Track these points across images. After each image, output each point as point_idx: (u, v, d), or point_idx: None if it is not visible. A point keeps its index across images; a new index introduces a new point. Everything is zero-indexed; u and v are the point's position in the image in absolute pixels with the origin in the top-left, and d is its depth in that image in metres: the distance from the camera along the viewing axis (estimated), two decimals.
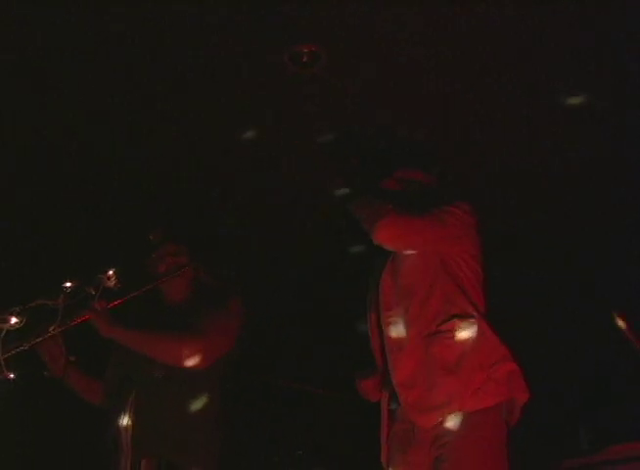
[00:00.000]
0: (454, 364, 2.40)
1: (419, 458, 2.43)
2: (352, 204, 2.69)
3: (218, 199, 3.61)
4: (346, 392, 2.73)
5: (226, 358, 2.74)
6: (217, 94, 3.00)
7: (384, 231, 2.49)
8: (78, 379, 2.85)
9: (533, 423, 2.58)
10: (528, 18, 2.65)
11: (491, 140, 3.30)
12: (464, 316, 2.47)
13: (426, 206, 2.58)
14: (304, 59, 2.78)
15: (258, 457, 3.90)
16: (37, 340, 2.52)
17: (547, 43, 2.77)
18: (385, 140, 3.00)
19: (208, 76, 2.91)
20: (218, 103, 3.04)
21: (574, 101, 3.05)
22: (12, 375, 2.39)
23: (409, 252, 2.57)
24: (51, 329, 2.51)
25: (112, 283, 2.56)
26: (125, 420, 2.65)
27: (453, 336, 2.44)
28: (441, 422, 2.38)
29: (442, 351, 2.44)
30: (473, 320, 2.47)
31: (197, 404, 2.66)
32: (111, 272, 2.56)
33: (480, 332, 2.46)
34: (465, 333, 2.44)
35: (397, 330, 2.55)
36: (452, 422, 2.36)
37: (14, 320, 2.38)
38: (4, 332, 2.36)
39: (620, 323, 3.17)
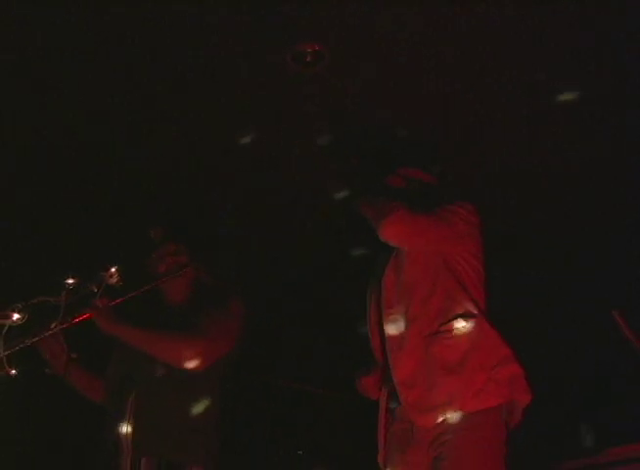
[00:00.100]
0: (456, 364, 2.40)
1: (418, 458, 2.42)
2: (359, 200, 2.69)
3: (231, 211, 3.61)
4: (346, 392, 2.72)
5: (226, 359, 2.73)
6: (217, 94, 3.00)
7: (391, 228, 2.50)
8: (80, 377, 2.86)
9: (533, 423, 2.58)
10: (528, 18, 2.65)
11: (491, 140, 3.30)
12: (467, 316, 2.47)
13: (427, 204, 2.59)
14: (308, 58, 2.79)
15: (258, 457, 3.90)
16: (39, 337, 2.52)
17: (547, 43, 2.77)
18: (385, 139, 3.01)
19: (208, 76, 2.91)
20: (218, 103, 3.04)
21: (574, 101, 3.05)
22: (13, 371, 2.40)
23: (414, 249, 2.57)
24: (53, 326, 2.51)
25: (114, 280, 2.55)
26: (126, 419, 2.64)
27: (455, 335, 2.44)
28: (441, 422, 2.38)
29: (444, 350, 2.43)
30: (475, 320, 2.46)
31: (197, 404, 2.65)
32: (113, 269, 2.55)
33: (482, 332, 2.46)
34: (467, 333, 2.44)
35: (398, 328, 2.54)
36: (452, 421, 2.36)
37: (16, 317, 2.38)
38: (6, 328, 2.36)
39: (621, 323, 3.17)
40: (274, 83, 2.94)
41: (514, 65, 2.87)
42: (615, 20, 2.68)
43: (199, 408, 2.65)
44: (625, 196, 3.63)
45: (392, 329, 2.56)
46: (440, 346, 2.44)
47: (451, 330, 2.45)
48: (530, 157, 3.41)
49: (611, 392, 4.11)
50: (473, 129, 3.24)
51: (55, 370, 2.74)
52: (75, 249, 3.58)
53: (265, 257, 3.95)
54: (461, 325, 2.45)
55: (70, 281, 2.49)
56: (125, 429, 2.63)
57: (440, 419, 2.38)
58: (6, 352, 2.37)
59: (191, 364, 2.61)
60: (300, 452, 3.94)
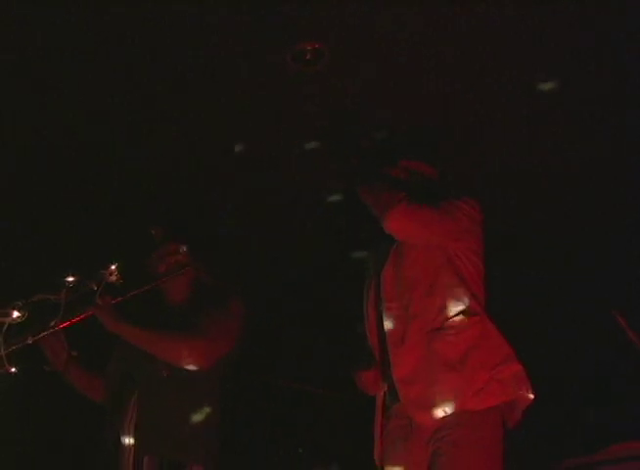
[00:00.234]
0: (457, 362, 2.37)
1: (417, 454, 2.39)
2: (363, 188, 2.63)
3: (231, 211, 3.61)
4: (346, 392, 2.71)
5: (226, 359, 2.73)
6: (217, 94, 3.00)
7: (396, 219, 2.46)
8: (79, 375, 2.84)
9: (533, 423, 2.58)
10: (528, 18, 2.65)
11: (491, 140, 3.30)
12: (469, 313, 2.44)
13: (429, 197, 2.55)
14: (307, 56, 2.78)
15: (258, 457, 3.90)
16: (41, 335, 2.52)
17: (547, 43, 2.77)
18: (385, 133, 2.97)
19: (208, 76, 2.91)
20: (218, 103, 3.04)
21: (574, 101, 3.05)
22: (13, 369, 2.40)
23: (416, 242, 2.54)
24: (52, 323, 2.51)
25: (113, 278, 2.55)
26: (128, 418, 2.64)
27: (458, 333, 2.41)
28: (441, 418, 2.36)
29: (445, 347, 2.40)
30: (478, 318, 2.44)
31: (198, 404, 2.65)
32: (113, 267, 2.55)
33: (484, 330, 2.44)
34: (470, 331, 2.41)
35: (398, 324, 2.50)
36: (451, 418, 2.34)
37: (16, 314, 2.39)
38: (6, 326, 2.36)
39: (623, 323, 3.17)
40: (274, 83, 2.94)
41: (514, 65, 2.87)
42: (615, 20, 2.68)
43: (199, 408, 2.65)
44: (625, 196, 3.63)
45: (392, 325, 2.52)
46: (442, 342, 2.41)
47: (454, 327, 2.42)
48: (530, 157, 3.41)
49: (611, 392, 4.11)
50: (473, 129, 3.24)
51: (54, 367, 2.73)
52: (75, 248, 3.58)
53: (265, 257, 3.95)
54: (464, 322, 2.42)
55: (70, 279, 2.49)
56: (127, 428, 2.64)
57: (440, 416, 2.36)
58: (7, 351, 2.38)
59: (191, 364, 2.61)
60: (301, 450, 3.94)
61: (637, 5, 2.61)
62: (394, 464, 2.46)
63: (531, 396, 2.40)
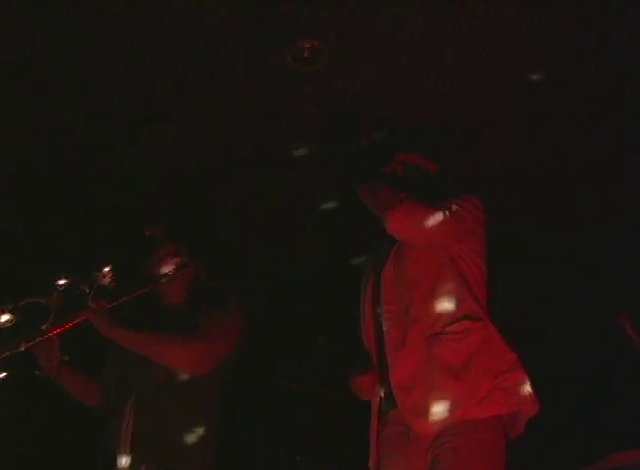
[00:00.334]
0: (459, 368, 2.27)
1: (414, 463, 2.29)
2: (363, 188, 2.56)
3: (231, 211, 3.60)
4: (346, 392, 2.69)
5: (226, 364, 2.68)
6: (217, 94, 3.00)
7: (398, 219, 2.39)
8: (73, 380, 2.77)
9: (533, 423, 2.56)
10: (528, 18, 2.65)
11: (491, 140, 3.30)
12: (473, 317, 2.35)
13: (429, 195, 2.48)
14: (306, 54, 2.77)
15: (258, 457, 3.90)
16: (35, 341, 2.46)
17: (547, 43, 2.77)
18: (385, 131, 2.92)
19: (208, 76, 2.91)
20: (218, 103, 3.04)
21: (574, 101, 3.05)
22: (2, 374, 2.37)
23: (418, 243, 2.45)
24: (44, 328, 2.46)
25: (106, 281, 2.50)
26: (125, 425, 2.59)
27: (460, 338, 2.31)
28: (440, 428, 2.25)
29: (447, 353, 2.30)
30: (482, 323, 2.35)
31: (196, 411, 2.60)
32: (106, 270, 2.50)
33: (488, 335, 2.35)
34: (473, 336, 2.32)
35: (398, 327, 2.40)
36: (452, 427, 2.24)
37: (5, 318, 2.35)
38: None
39: (625, 323, 3.16)
40: (274, 83, 2.94)
41: (514, 65, 2.87)
42: (615, 20, 2.68)
43: (198, 415, 2.60)
44: (625, 196, 3.63)
45: (392, 327, 2.42)
46: (444, 348, 2.31)
47: (457, 332, 2.32)
48: (530, 157, 3.41)
49: (611, 392, 4.10)
50: (473, 129, 3.24)
51: (47, 372, 2.65)
52: (75, 249, 3.58)
53: (265, 257, 3.95)
54: (467, 327, 2.33)
55: (62, 282, 2.44)
56: (125, 435, 2.58)
57: (439, 425, 2.25)
58: (1, 358, 2.33)
59: (190, 368, 2.56)
60: (299, 459, 3.91)
61: (637, 5, 2.61)
62: None
63: (537, 407, 2.31)
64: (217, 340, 2.61)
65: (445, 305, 2.37)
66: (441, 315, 2.36)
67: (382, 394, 2.45)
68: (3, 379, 2.38)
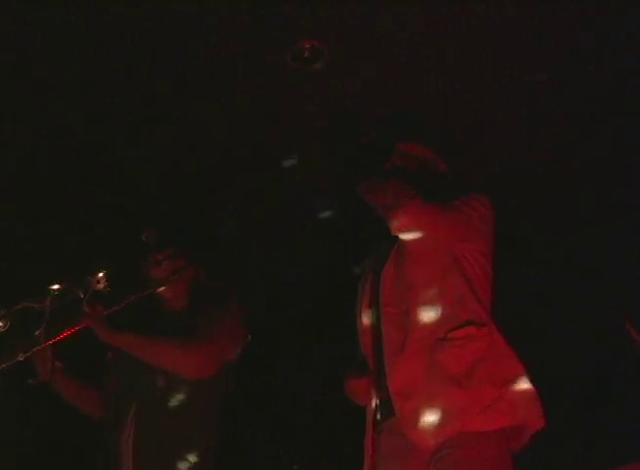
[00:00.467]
0: (462, 376, 2.12)
1: None
2: (365, 187, 2.40)
3: (231, 211, 3.60)
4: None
5: (228, 369, 2.61)
6: (217, 94, 3.00)
7: (406, 219, 2.24)
8: (66, 385, 2.70)
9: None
10: (528, 18, 2.66)
11: (491, 140, 3.30)
12: (478, 324, 2.21)
13: (432, 192, 2.32)
14: (306, 54, 2.77)
15: (258, 457, 3.90)
16: (33, 350, 2.41)
17: (547, 43, 2.77)
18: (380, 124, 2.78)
19: (208, 76, 2.91)
20: (218, 103, 3.04)
21: (574, 101, 3.05)
22: None
23: (423, 244, 2.27)
24: (38, 334, 2.40)
25: (101, 286, 2.43)
26: (126, 437, 2.54)
27: (464, 345, 2.16)
28: (440, 440, 2.09)
29: (450, 359, 2.15)
30: (487, 329, 2.22)
31: (195, 420, 2.54)
32: (100, 275, 2.43)
33: (493, 342, 2.21)
34: (478, 342, 2.18)
35: (398, 330, 2.25)
36: (453, 439, 2.08)
37: None
38: None
39: (633, 332, 3.15)
40: (274, 83, 2.94)
41: (514, 65, 2.87)
42: (615, 20, 2.68)
43: (197, 425, 2.55)
44: (625, 196, 3.63)
45: (391, 330, 2.26)
46: (447, 354, 2.16)
47: (460, 338, 2.17)
48: (530, 157, 3.41)
49: (611, 392, 4.10)
50: (473, 129, 3.24)
51: (41, 378, 2.58)
52: (75, 249, 3.58)
53: (265, 257, 3.95)
54: (471, 333, 2.18)
55: (55, 287, 2.38)
56: (125, 448, 2.53)
57: (439, 436, 2.09)
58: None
59: (192, 370, 2.51)
60: (296, 468, 3.90)
61: (637, 5, 2.61)
62: None
63: (542, 421, 2.16)
64: (218, 342, 2.56)
65: (449, 309, 2.22)
66: (444, 319, 2.21)
67: (378, 400, 2.30)
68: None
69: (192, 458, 2.51)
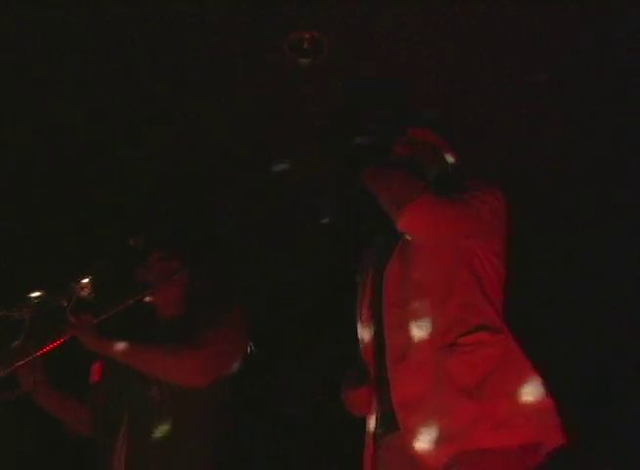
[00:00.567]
0: (474, 387, 1.93)
1: None
2: (369, 173, 2.22)
3: (231, 211, 3.59)
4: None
5: (225, 381, 2.50)
6: (217, 94, 3.00)
7: (414, 215, 2.05)
8: (48, 396, 2.59)
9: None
10: (528, 18, 2.65)
11: (491, 140, 3.30)
12: (491, 329, 2.03)
13: (442, 184, 2.18)
14: (305, 45, 2.75)
15: (258, 457, 3.90)
16: (18, 364, 2.31)
17: (547, 43, 2.77)
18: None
19: (208, 76, 2.91)
20: (218, 103, 3.04)
21: (574, 101, 3.05)
22: None
23: (431, 242, 2.12)
24: (16, 345, 2.31)
25: (85, 293, 2.34)
26: (118, 452, 2.43)
27: (474, 351, 1.99)
28: (447, 458, 1.91)
29: (461, 368, 1.97)
30: (502, 335, 2.04)
31: (190, 433, 2.42)
32: (85, 281, 2.34)
33: (507, 350, 2.03)
34: (491, 350, 2.00)
35: (403, 334, 2.05)
36: (462, 456, 1.90)
37: None
38: None
39: None
40: (274, 83, 2.94)
41: (514, 65, 2.87)
42: (615, 20, 2.68)
43: (193, 438, 2.43)
44: (625, 196, 3.63)
45: (395, 335, 2.07)
46: (457, 362, 1.97)
47: (471, 344, 1.99)
48: (530, 157, 3.41)
49: (611, 392, 4.10)
50: (473, 129, 3.24)
51: (23, 389, 2.49)
52: (75, 249, 3.58)
53: (265, 257, 3.95)
54: (484, 339, 2.01)
55: (35, 294, 2.28)
56: (118, 460, 2.43)
57: (446, 454, 1.91)
58: None
59: (186, 378, 2.38)
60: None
61: (637, 5, 2.61)
62: None
63: (561, 436, 1.96)
64: (214, 347, 2.42)
65: (459, 313, 2.04)
66: (454, 324, 2.03)
67: (380, 412, 2.13)
68: None
69: None
